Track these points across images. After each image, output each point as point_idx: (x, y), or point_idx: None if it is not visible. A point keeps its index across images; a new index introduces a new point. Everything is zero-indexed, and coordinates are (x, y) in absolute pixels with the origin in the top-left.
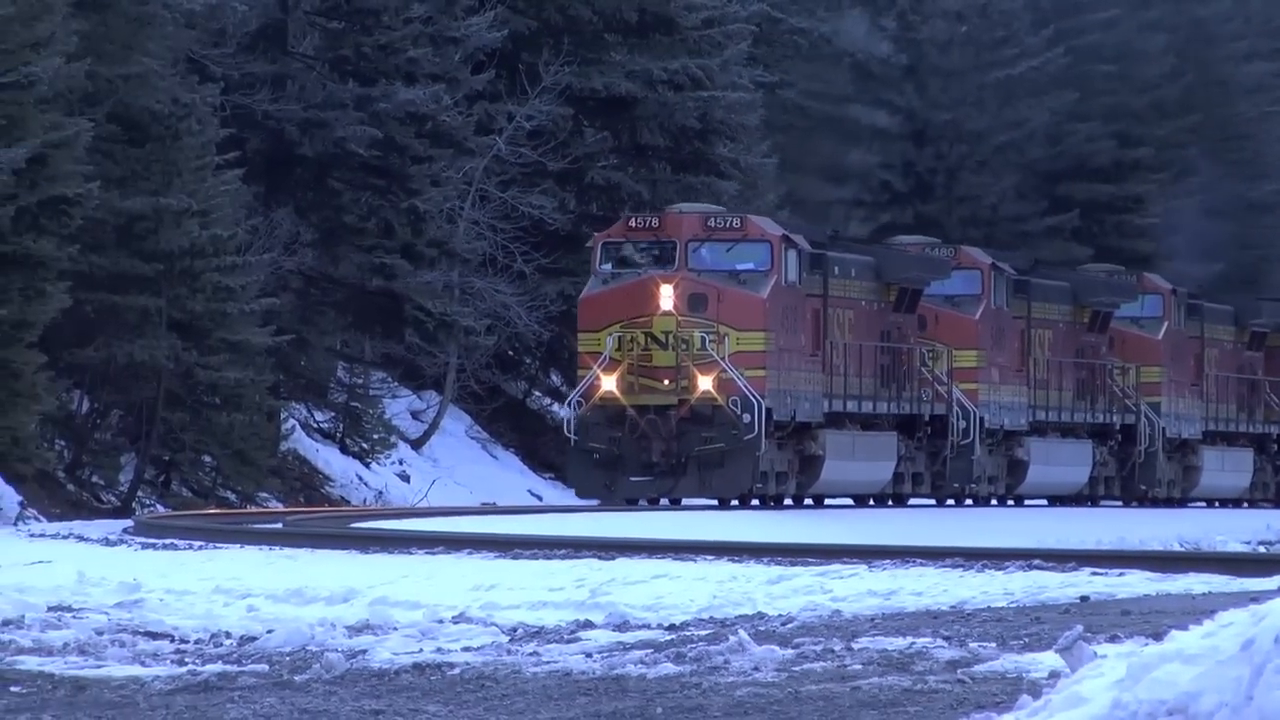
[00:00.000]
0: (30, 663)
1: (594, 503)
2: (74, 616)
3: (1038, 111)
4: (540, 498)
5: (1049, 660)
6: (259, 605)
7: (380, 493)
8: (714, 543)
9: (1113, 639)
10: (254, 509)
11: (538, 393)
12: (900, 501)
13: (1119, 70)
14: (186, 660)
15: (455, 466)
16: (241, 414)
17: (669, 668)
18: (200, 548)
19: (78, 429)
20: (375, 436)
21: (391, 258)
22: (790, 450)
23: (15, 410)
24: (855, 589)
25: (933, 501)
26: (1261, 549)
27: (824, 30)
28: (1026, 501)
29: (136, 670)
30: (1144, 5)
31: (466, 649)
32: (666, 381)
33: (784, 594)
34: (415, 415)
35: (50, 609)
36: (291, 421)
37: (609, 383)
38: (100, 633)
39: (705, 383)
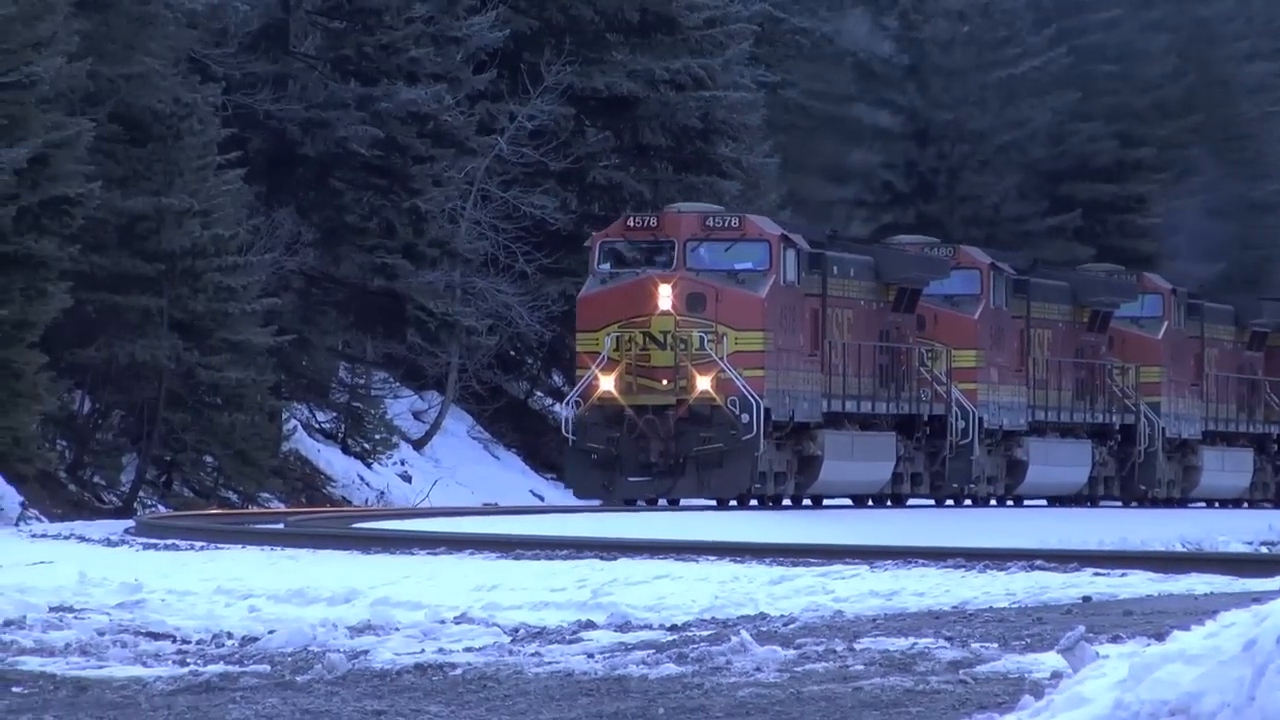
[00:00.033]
0: (32, 663)
1: (596, 503)
2: (75, 617)
3: (1040, 111)
4: (542, 498)
5: (1051, 660)
6: (261, 606)
7: (382, 493)
8: (716, 543)
9: (1115, 639)
10: (256, 509)
11: (539, 393)
12: (899, 502)
13: (1121, 70)
14: (188, 661)
15: (457, 467)
16: (243, 414)
17: (671, 668)
18: (202, 548)
19: (79, 429)
20: (377, 437)
21: (393, 258)
22: (789, 450)
23: (17, 410)
24: (857, 589)
25: (931, 502)
26: (1264, 549)
27: (826, 30)
28: (1026, 502)
29: (138, 671)
30: (1146, 5)
31: (468, 649)
32: (665, 381)
33: (786, 594)
34: (417, 415)
35: (52, 609)
36: (293, 422)
37: (607, 383)
38: (102, 633)
39: (704, 383)
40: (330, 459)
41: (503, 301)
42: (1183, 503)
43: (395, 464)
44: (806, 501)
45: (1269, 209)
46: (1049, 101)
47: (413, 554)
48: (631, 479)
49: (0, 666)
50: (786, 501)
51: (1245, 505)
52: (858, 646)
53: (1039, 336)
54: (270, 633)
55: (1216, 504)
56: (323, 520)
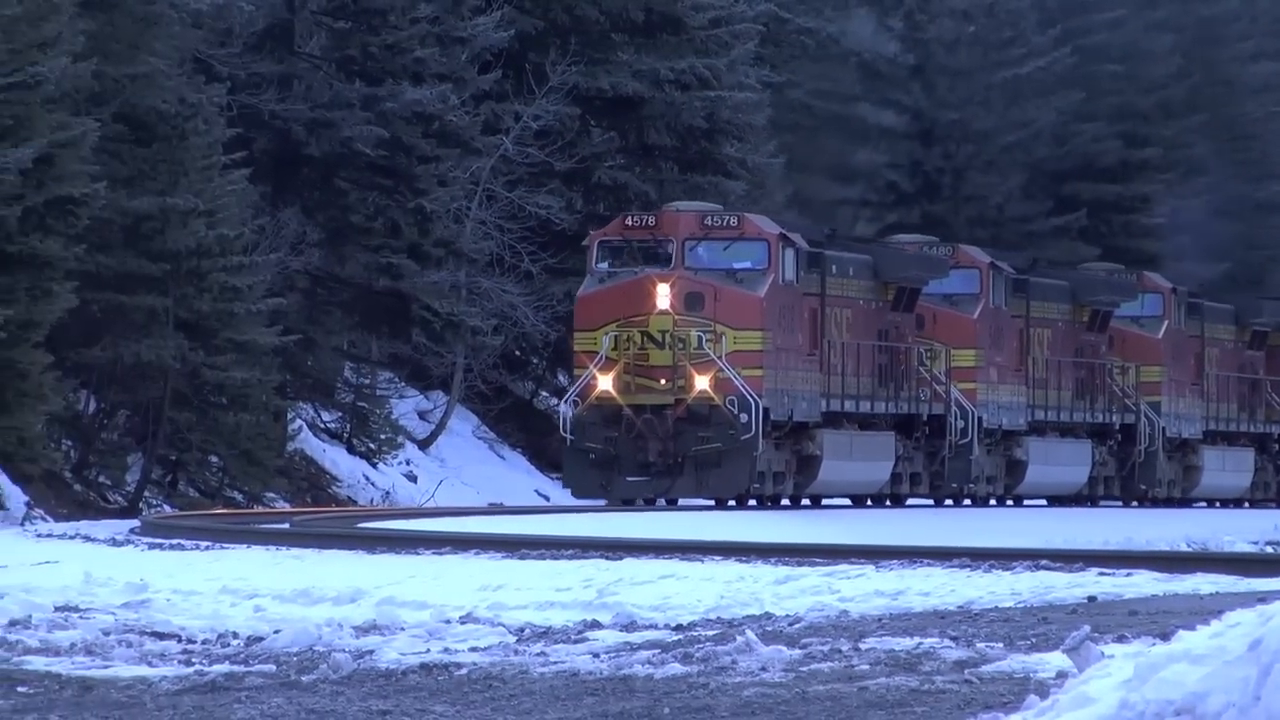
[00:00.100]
0: (37, 663)
1: (601, 503)
2: (81, 617)
3: (1044, 111)
4: (547, 498)
5: (1056, 660)
6: (266, 605)
7: (387, 493)
8: (721, 543)
9: (1120, 639)
10: (261, 509)
11: (545, 393)
12: (898, 502)
13: (1126, 70)
14: (193, 660)
15: (462, 466)
16: (248, 414)
17: (676, 668)
18: (207, 548)
19: (84, 429)
20: (382, 436)
21: (398, 258)
22: (787, 450)
23: (22, 410)
24: (862, 589)
25: (930, 502)
26: (1269, 549)
27: (831, 30)
28: (1026, 502)
29: (143, 670)
30: (1151, 5)
31: (474, 649)
32: (663, 381)
33: (791, 594)
34: (422, 415)
35: (57, 609)
36: (298, 421)
37: (605, 382)
38: (107, 633)
39: (702, 382)
40: (335, 459)
41: (508, 301)
42: (1185, 502)
43: (400, 464)
44: (805, 501)
45: (1273, 209)
46: (1054, 101)
47: (418, 554)
48: (630, 479)
49: (6, 666)
50: (785, 501)
51: (1246, 505)
52: (863, 646)
53: (1038, 336)
54: (275, 632)
55: (1217, 504)
56: (328, 520)
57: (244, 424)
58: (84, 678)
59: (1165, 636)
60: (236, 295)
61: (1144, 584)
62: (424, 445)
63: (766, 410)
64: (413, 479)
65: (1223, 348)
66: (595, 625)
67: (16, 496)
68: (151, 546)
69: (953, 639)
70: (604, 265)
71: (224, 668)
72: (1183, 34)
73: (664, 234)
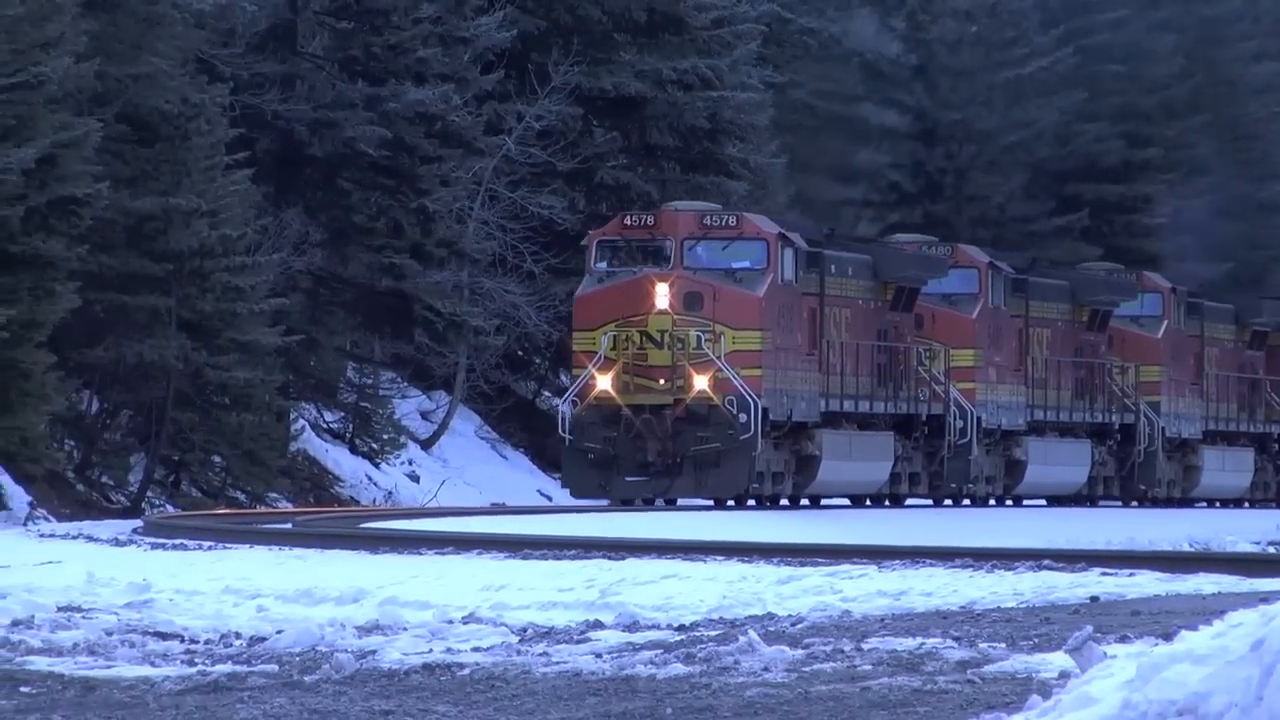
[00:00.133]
0: (40, 663)
1: (603, 503)
2: (84, 617)
3: (1047, 111)
4: (550, 498)
5: (1059, 660)
6: (269, 605)
7: (390, 493)
8: (723, 543)
9: (1122, 639)
10: (263, 509)
11: (547, 393)
12: (897, 502)
13: (1128, 70)
14: (196, 660)
15: (465, 467)
16: (251, 414)
17: (679, 668)
18: (210, 548)
19: (87, 429)
20: (385, 437)
21: (401, 258)
22: (786, 450)
23: (25, 410)
24: (865, 589)
25: (930, 502)
26: (1271, 549)
27: (833, 30)
28: (1025, 502)
29: (146, 670)
30: (1153, 5)
31: (476, 649)
32: (662, 381)
33: (794, 594)
34: (425, 415)
35: (60, 609)
36: (301, 422)
37: (604, 382)
38: (110, 633)
39: (701, 382)
40: (338, 459)
41: (510, 301)
42: (1185, 502)
43: (403, 464)
44: (805, 502)
45: (1276, 209)
46: (1056, 101)
47: (421, 554)
48: (628, 479)
49: (8, 666)
50: (784, 501)
51: (1246, 505)
52: (865, 646)
53: (1038, 335)
54: (278, 632)
55: (1217, 504)
56: (331, 520)
57: (247, 424)
58: (87, 678)
59: (1168, 637)
60: (239, 295)
61: (1146, 584)
62: (426, 445)
63: (765, 410)
64: (415, 479)
65: (1222, 347)
66: (598, 625)
67: (19, 497)
68: (154, 546)
69: (955, 639)
70: (603, 265)
71: (227, 668)
72: (1185, 34)
73: (663, 234)
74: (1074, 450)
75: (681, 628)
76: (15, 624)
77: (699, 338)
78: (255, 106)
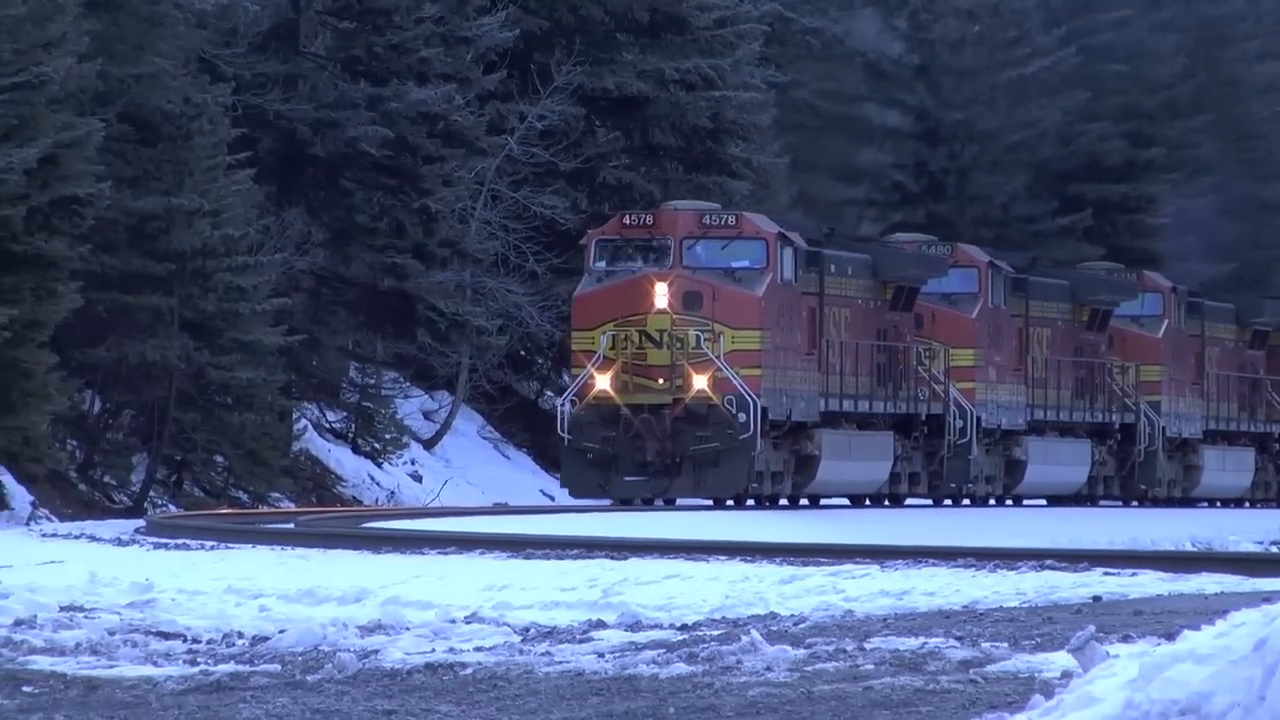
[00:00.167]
0: (42, 663)
1: (606, 502)
2: (86, 616)
3: (1049, 111)
4: (552, 498)
5: (1061, 660)
6: (271, 605)
7: (392, 493)
8: (726, 543)
9: (1125, 639)
10: (266, 509)
11: (550, 393)
12: (896, 501)
13: (1131, 70)
14: (199, 660)
15: (467, 466)
16: (253, 414)
17: (681, 668)
18: (212, 548)
19: (89, 429)
20: (387, 436)
21: (403, 258)
22: (786, 450)
23: (27, 410)
24: (868, 589)
25: (929, 501)
26: (1274, 549)
27: (836, 30)
28: (1025, 501)
29: (149, 670)
30: (1155, 5)
31: (479, 649)
32: (661, 380)
33: (796, 594)
34: (427, 415)
35: (62, 609)
36: (303, 421)
37: (603, 381)
38: (112, 633)
39: (700, 381)
40: (340, 459)
41: (513, 301)
42: (1186, 502)
43: (406, 464)
44: (804, 501)
45: (1278, 208)
46: (1059, 101)
47: (423, 554)
48: (627, 478)
49: (11, 666)
50: (783, 501)
51: (1247, 504)
52: (868, 646)
53: (1038, 335)
54: (281, 632)
55: (1218, 503)
56: (333, 520)
57: (249, 424)
58: (89, 677)
59: (1170, 636)
60: (241, 295)
61: (1149, 584)
62: (429, 445)
63: (765, 410)
64: (418, 479)
65: (1223, 347)
66: (600, 625)
67: (22, 496)
68: (156, 546)
69: (958, 639)
70: (602, 264)
71: (229, 667)
72: (1187, 34)
73: (662, 233)
74: (1074, 450)
75: (684, 627)
76: (18, 623)
77: (698, 337)
78: (257, 106)
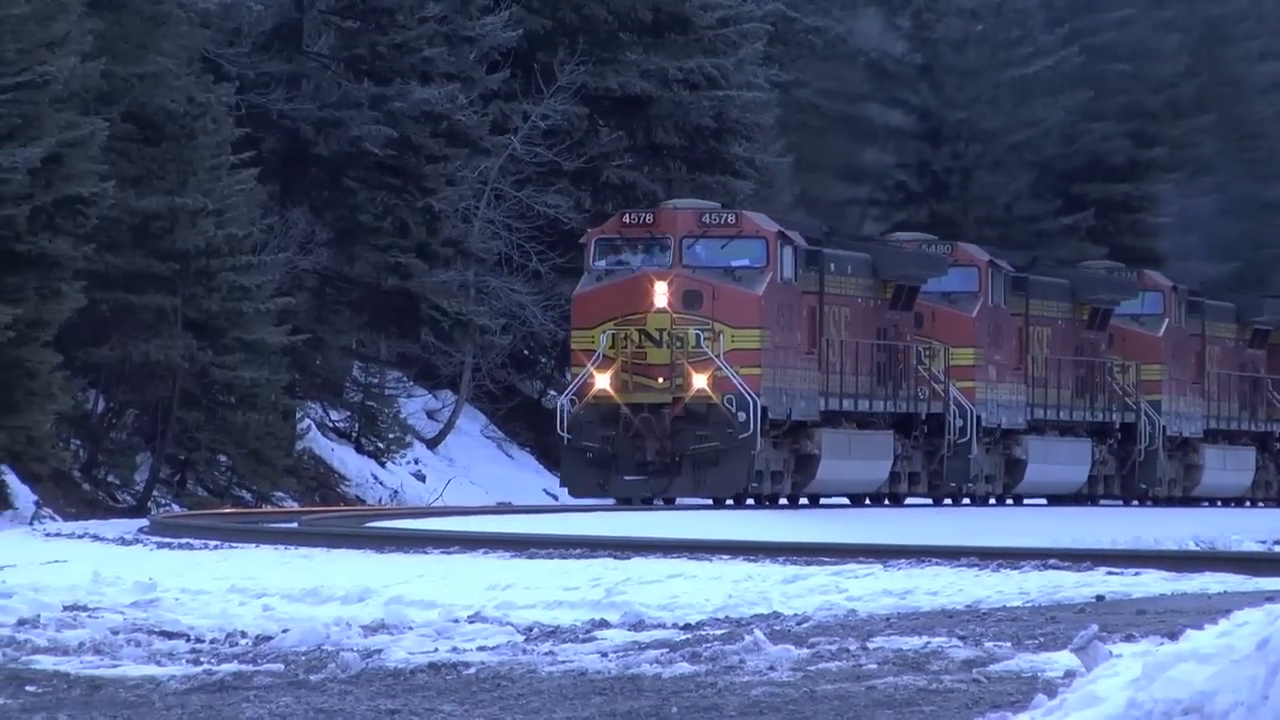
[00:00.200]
0: (46, 662)
1: (609, 502)
2: (89, 616)
3: (1052, 110)
4: (556, 497)
5: (1064, 660)
6: (274, 605)
7: (396, 492)
8: (729, 542)
9: (1128, 638)
10: (269, 508)
11: (553, 392)
12: (896, 501)
13: (1133, 69)
14: (202, 660)
15: (471, 466)
16: (257, 413)
17: (684, 667)
18: (215, 547)
19: (93, 428)
20: (391, 436)
21: (407, 257)
22: (785, 449)
23: (31, 409)
24: (870, 588)
25: (929, 501)
26: (1277, 548)
27: (839, 29)
28: (1025, 501)
29: (152, 670)
30: (1158, 4)
31: (482, 648)
32: (661, 379)
33: (799, 593)
34: (431, 415)
35: (66, 608)
36: (307, 421)
37: (603, 381)
38: (116, 632)
39: (700, 381)
40: (344, 458)
41: (516, 301)
42: (1188, 501)
43: (409, 463)
44: (804, 501)
45: None
46: (1061, 101)
47: (426, 553)
48: (627, 478)
49: (14, 665)
50: (783, 500)
51: (1247, 504)
52: (871, 645)
53: (1038, 334)
54: (284, 632)
55: (1219, 503)
56: (336, 519)
57: (252, 423)
58: (92, 677)
59: (1173, 636)
60: (245, 295)
61: (1152, 583)
62: (432, 444)
63: (764, 409)
64: (421, 478)
65: (1224, 346)
66: (603, 624)
67: (25, 496)
68: (160, 546)
69: (961, 638)
70: (601, 263)
71: (232, 667)
72: (1190, 33)
73: (662, 231)
74: (1074, 449)
75: (687, 627)
76: (21, 623)
77: (698, 336)
78: (261, 106)
